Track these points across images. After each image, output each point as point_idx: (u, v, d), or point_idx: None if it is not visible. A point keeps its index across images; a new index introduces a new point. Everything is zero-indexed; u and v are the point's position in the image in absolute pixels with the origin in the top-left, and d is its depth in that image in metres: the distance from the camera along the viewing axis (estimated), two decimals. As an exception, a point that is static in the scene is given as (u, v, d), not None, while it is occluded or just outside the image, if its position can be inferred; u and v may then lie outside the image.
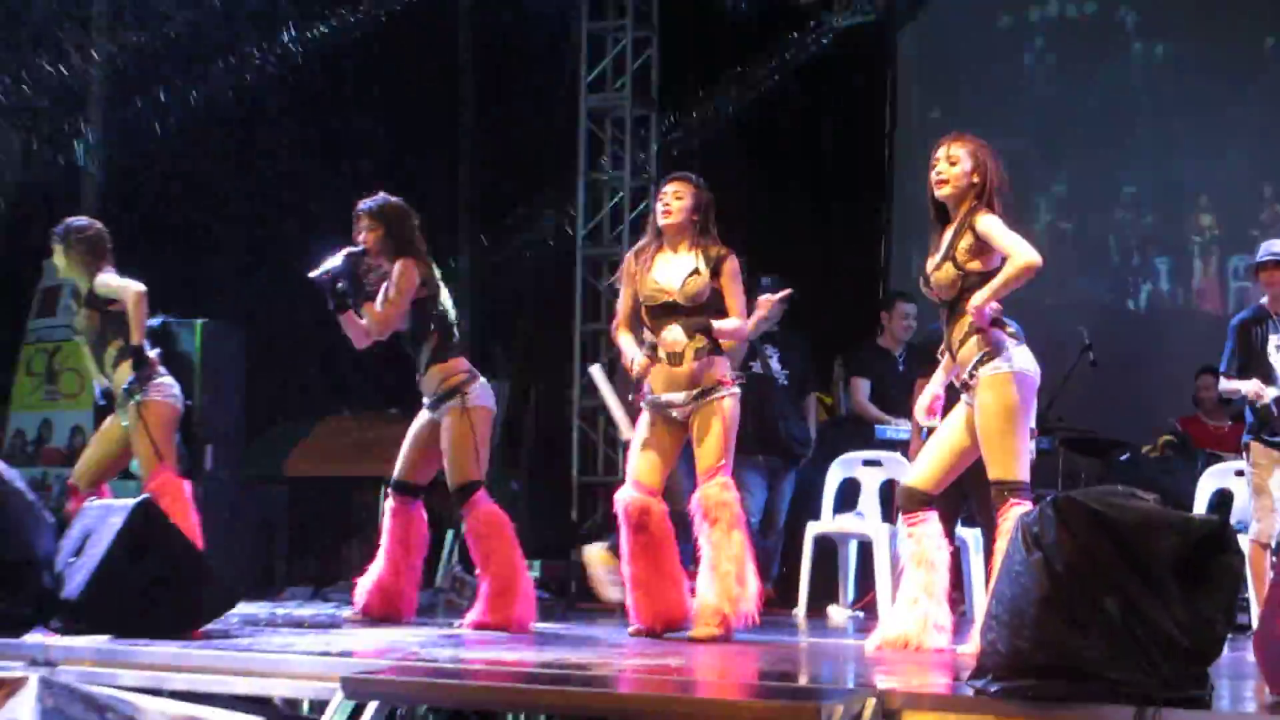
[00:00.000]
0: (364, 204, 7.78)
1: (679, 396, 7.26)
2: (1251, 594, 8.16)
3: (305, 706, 5.51)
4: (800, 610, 9.20)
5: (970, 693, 4.65)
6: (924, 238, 6.96)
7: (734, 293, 7.31)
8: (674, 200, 7.33)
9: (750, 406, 10.39)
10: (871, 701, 4.54)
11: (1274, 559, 8.00)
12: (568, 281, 13.13)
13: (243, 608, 7.12)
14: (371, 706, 4.97)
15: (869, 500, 9.53)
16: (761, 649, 6.97)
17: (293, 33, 11.81)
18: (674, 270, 7.27)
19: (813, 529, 9.37)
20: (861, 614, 9.24)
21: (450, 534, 10.60)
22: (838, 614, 9.34)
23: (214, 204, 12.59)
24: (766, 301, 7.70)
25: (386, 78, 13.30)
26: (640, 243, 7.54)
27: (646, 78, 13.54)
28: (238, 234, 11.38)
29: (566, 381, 13.00)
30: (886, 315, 10.55)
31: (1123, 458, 10.31)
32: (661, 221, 7.34)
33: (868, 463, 9.62)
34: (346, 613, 7.97)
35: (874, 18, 13.65)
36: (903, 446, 9.58)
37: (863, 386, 10.35)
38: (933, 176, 6.62)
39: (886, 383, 10.33)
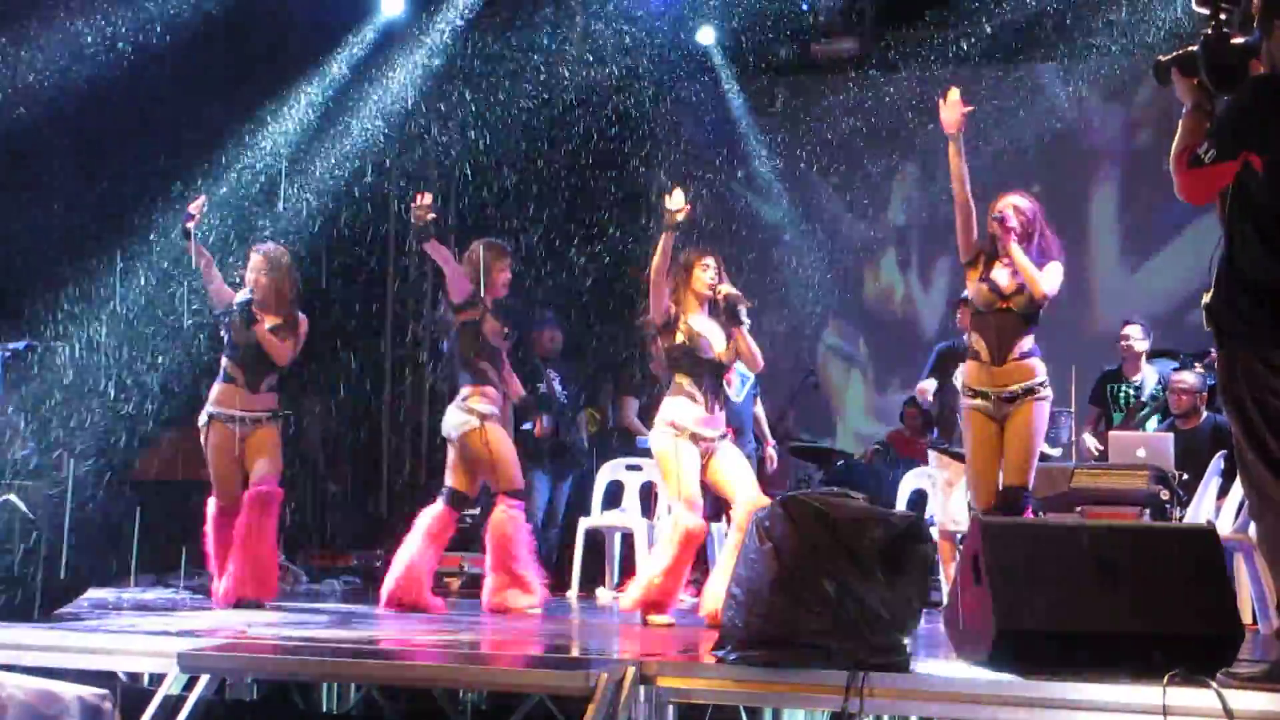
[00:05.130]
0: None
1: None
2: (942, 575, 8.27)
3: (145, 680, 5.28)
4: (573, 592, 9.14)
5: (713, 661, 4.67)
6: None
7: None
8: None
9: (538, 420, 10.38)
10: (631, 670, 4.52)
11: (960, 547, 8.12)
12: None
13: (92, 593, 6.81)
14: (204, 679, 4.81)
15: (631, 499, 9.50)
16: (540, 625, 6.89)
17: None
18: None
19: (584, 523, 9.31)
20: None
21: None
22: (604, 595, 9.28)
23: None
24: None
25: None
26: None
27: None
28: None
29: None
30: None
31: (840, 464, 10.41)
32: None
33: (630, 467, 9.58)
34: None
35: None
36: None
37: (633, 405, 10.32)
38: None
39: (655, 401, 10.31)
